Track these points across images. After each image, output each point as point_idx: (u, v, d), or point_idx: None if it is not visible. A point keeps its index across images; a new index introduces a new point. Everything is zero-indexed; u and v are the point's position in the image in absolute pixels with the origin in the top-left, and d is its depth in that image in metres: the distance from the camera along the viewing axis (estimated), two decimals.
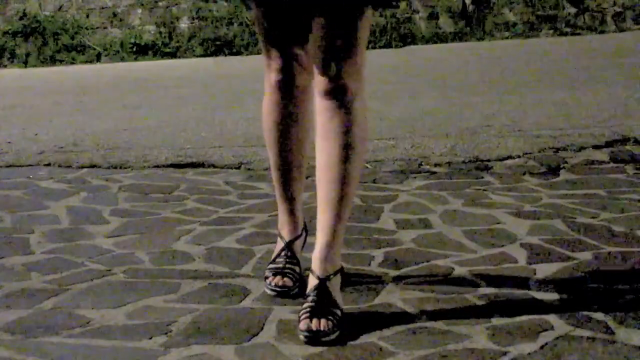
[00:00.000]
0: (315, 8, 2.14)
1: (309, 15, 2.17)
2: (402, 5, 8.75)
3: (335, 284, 2.22)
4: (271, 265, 2.47)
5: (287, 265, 2.43)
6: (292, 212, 2.46)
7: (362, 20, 2.15)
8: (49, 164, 4.15)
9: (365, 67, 2.22)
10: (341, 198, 2.21)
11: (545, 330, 2.13)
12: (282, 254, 2.47)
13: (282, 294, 2.38)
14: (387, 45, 8.16)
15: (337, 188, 2.20)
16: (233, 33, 8.44)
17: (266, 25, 2.28)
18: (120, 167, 4.07)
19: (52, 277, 2.61)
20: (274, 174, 2.46)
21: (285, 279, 2.40)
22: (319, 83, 2.18)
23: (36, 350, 2.10)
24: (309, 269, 2.26)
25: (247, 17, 8.15)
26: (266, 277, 2.44)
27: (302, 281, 2.40)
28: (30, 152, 4.39)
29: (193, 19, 8.59)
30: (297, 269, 2.43)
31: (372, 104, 5.25)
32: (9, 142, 4.61)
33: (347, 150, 2.18)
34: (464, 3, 9.23)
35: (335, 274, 2.22)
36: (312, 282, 2.21)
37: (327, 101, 2.17)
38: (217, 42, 8.24)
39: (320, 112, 2.20)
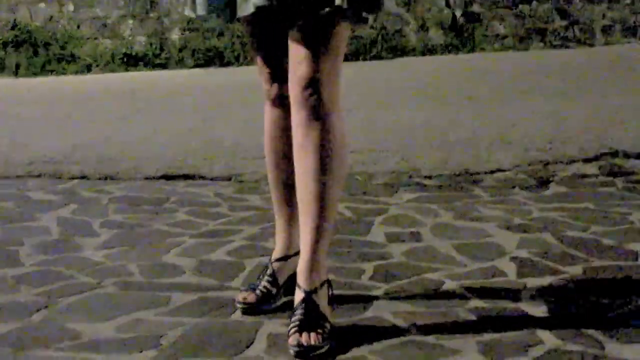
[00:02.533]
0: (290, 18, 2.15)
1: (285, 26, 2.19)
2: (393, 17, 8.80)
3: (322, 296, 2.21)
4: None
5: (262, 283, 2.42)
6: (285, 228, 2.44)
7: (335, 31, 2.15)
8: (39, 175, 4.15)
9: (341, 81, 2.21)
10: (322, 211, 2.20)
11: (536, 344, 2.14)
12: (264, 271, 2.46)
13: (246, 310, 2.37)
14: (377, 57, 8.17)
15: (317, 202, 2.20)
16: (224, 44, 8.45)
17: (252, 37, 2.34)
18: (111, 179, 4.08)
19: (41, 289, 2.60)
20: (271, 184, 2.46)
21: (247, 293, 2.40)
22: (293, 93, 2.17)
23: None
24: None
25: (237, 29, 8.16)
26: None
27: (272, 299, 2.39)
28: (20, 162, 4.38)
29: (184, 30, 8.60)
30: (272, 289, 2.41)
31: (362, 115, 5.31)
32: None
33: (324, 163, 2.18)
34: (454, 15, 9.26)
35: (321, 286, 2.22)
36: (299, 296, 2.20)
37: (303, 113, 2.16)
38: (208, 54, 8.25)
39: (296, 126, 2.19)
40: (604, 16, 9.74)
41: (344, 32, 2.18)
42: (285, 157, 2.37)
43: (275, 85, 2.35)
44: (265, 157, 2.45)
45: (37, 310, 2.43)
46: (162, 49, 8.47)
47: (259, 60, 2.36)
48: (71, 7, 8.57)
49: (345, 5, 2.07)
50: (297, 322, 2.13)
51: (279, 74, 2.32)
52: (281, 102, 2.34)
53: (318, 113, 2.15)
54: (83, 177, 4.10)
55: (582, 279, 2.61)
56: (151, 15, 8.61)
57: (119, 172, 4.16)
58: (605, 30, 9.66)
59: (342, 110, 2.23)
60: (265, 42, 2.32)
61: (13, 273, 2.76)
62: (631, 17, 9.82)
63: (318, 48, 2.13)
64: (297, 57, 2.15)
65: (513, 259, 2.81)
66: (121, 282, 2.66)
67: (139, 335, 2.24)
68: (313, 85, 2.14)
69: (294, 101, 2.18)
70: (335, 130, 2.18)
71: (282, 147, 2.37)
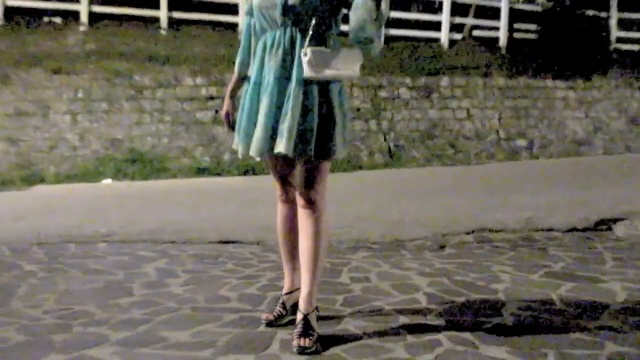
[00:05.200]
0: (297, 160, 2.21)
1: (293, 162, 2.24)
2: (355, 146, 8.94)
3: (313, 316, 2.22)
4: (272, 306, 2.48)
5: (277, 308, 2.41)
6: (290, 274, 2.45)
7: (323, 166, 2.20)
8: (145, 241, 4.12)
9: (327, 192, 2.24)
10: (315, 264, 2.22)
11: (438, 346, 2.15)
12: (278, 300, 2.46)
13: (268, 325, 2.35)
14: (344, 171, 8.26)
15: (312, 260, 2.21)
16: (255, 162, 8.53)
17: (273, 165, 2.34)
18: (187, 243, 4.06)
19: (145, 311, 2.59)
20: (281, 250, 2.44)
21: (268, 314, 2.39)
22: (299, 201, 2.22)
23: (137, 357, 2.09)
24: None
25: None
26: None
27: (283, 318, 2.37)
28: (132, 233, 4.36)
29: (231, 153, 8.68)
30: (283, 312, 2.39)
31: (334, 207, 5.32)
32: (121, 227, 4.60)
33: (316, 238, 2.20)
34: (389, 146, 9.40)
35: (313, 311, 2.23)
36: (299, 316, 2.20)
37: (305, 211, 2.21)
38: (246, 167, 8.32)
39: (301, 217, 2.23)
40: (476, 147, 9.91)
41: (328, 166, 2.23)
42: (290, 233, 2.37)
43: (285, 193, 2.36)
44: (278, 231, 2.44)
45: (142, 324, 2.42)
46: (218, 165, 8.53)
47: (275, 177, 2.37)
48: (165, 140, 8.66)
49: (337, 157, 2.15)
50: (298, 332, 2.14)
51: (287, 186, 2.34)
52: (288, 202, 2.36)
53: (314, 212, 2.20)
54: (171, 242, 4.08)
55: (465, 305, 2.62)
56: (213, 145, 8.71)
57: (192, 239, 4.15)
58: (476, 155, 9.81)
59: (327, 206, 2.26)
60: (280, 168, 2.32)
61: (128, 300, 2.75)
62: (492, 148, 10.00)
63: (314, 178, 2.18)
64: (302, 182, 2.19)
65: (425, 293, 2.82)
66: (193, 307, 2.64)
67: (203, 340, 2.24)
68: (312, 199, 2.19)
69: (300, 205, 2.21)
70: (323, 218, 2.22)
71: (289, 227, 2.38)
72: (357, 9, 2.08)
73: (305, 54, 2.06)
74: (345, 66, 2.12)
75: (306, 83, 2.09)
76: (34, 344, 2.21)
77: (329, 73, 2.09)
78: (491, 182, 7.39)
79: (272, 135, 2.11)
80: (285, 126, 2.07)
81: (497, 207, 5.22)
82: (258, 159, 2.21)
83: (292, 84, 2.09)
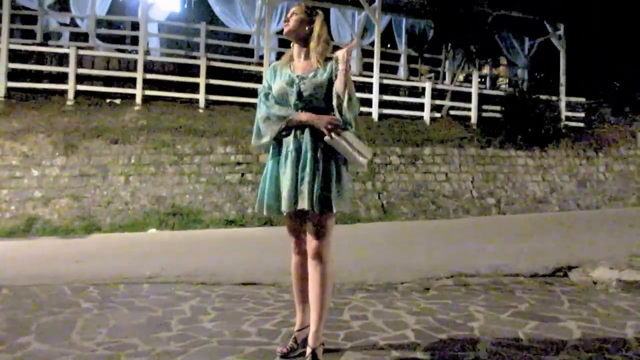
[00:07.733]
0: (307, 216, 2.22)
1: (305, 219, 2.26)
2: (353, 204, 8.94)
3: (319, 350, 2.19)
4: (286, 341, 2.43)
5: (289, 343, 2.38)
6: (301, 313, 2.42)
7: (329, 222, 2.23)
8: (181, 282, 4.06)
9: (331, 243, 2.25)
10: (322, 305, 2.20)
11: None
12: (291, 336, 2.43)
13: (282, 356, 2.31)
14: (345, 224, 8.23)
15: (319, 304, 2.20)
16: (274, 215, 8.52)
17: (288, 222, 2.37)
18: (216, 284, 4.01)
19: (181, 343, 2.54)
20: (294, 293, 2.43)
21: (282, 347, 2.36)
22: (309, 253, 2.23)
23: None
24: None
25: None
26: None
27: (295, 351, 2.33)
28: (172, 275, 4.32)
29: (253, 208, 8.70)
30: (295, 345, 2.36)
31: (336, 254, 5.24)
32: (162, 269, 4.57)
33: (323, 286, 2.20)
34: (382, 203, 9.40)
35: (320, 345, 2.20)
36: (308, 350, 2.18)
37: (314, 260, 2.22)
38: (265, 220, 8.32)
39: (310, 268, 2.24)
40: (453, 204, 9.89)
41: (333, 220, 2.25)
42: (302, 279, 2.37)
43: (298, 246, 2.36)
44: (291, 277, 2.43)
45: (178, 355, 2.37)
46: (243, 217, 8.53)
47: (290, 232, 2.37)
48: (200, 197, 8.71)
49: (335, 210, 2.16)
50: None
51: (300, 240, 2.35)
52: (301, 254, 2.36)
53: (321, 260, 2.20)
54: (203, 283, 4.03)
55: (446, 341, 2.57)
56: (239, 201, 8.74)
57: (220, 281, 4.10)
58: (454, 210, 9.79)
59: (332, 256, 2.27)
60: (293, 224, 2.35)
61: (167, 334, 2.69)
62: (467, 205, 9.98)
63: (321, 232, 2.20)
64: (311, 235, 2.21)
65: (413, 330, 2.77)
66: (219, 340, 2.57)
67: None
68: (319, 250, 2.20)
69: (310, 257, 2.22)
70: (329, 268, 2.22)
71: (301, 275, 2.37)
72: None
73: (340, 134, 2.16)
74: (361, 148, 2.22)
75: (316, 152, 2.15)
76: None
77: (354, 154, 2.18)
78: (466, 234, 7.33)
79: (294, 195, 2.14)
80: (304, 188, 2.13)
81: (472, 256, 5.15)
82: (284, 212, 2.21)
83: (307, 154, 2.17)
